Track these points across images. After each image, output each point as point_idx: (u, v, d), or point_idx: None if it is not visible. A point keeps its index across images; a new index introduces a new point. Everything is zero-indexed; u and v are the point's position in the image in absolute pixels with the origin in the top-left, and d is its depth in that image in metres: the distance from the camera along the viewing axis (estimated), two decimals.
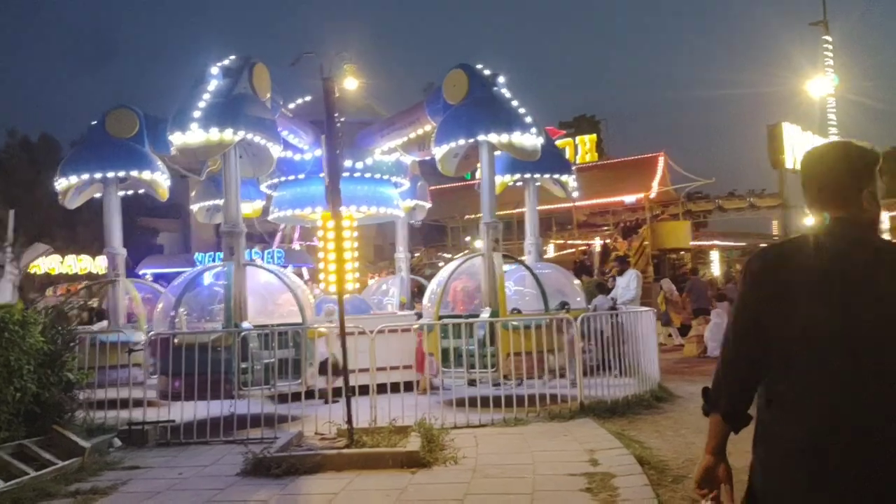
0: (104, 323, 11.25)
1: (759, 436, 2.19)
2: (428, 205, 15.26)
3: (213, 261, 39.10)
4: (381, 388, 8.95)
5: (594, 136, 37.86)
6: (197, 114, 8.97)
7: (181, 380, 8.67)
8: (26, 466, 6.26)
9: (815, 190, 2.27)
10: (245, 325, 9.11)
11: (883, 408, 2.01)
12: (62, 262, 35.53)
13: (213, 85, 9.28)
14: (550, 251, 40.26)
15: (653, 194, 32.29)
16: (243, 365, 8.85)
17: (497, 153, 10.63)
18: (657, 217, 32.70)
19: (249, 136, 9.21)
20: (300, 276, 32.10)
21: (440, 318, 10.00)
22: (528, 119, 10.03)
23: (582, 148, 37.55)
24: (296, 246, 36.27)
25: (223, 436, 8.14)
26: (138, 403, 8.63)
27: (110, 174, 11.25)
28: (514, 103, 10.16)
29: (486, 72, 10.36)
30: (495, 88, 10.26)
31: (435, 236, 42.94)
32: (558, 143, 37.19)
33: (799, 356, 2.09)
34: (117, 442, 7.97)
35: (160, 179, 11.52)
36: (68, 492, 6.06)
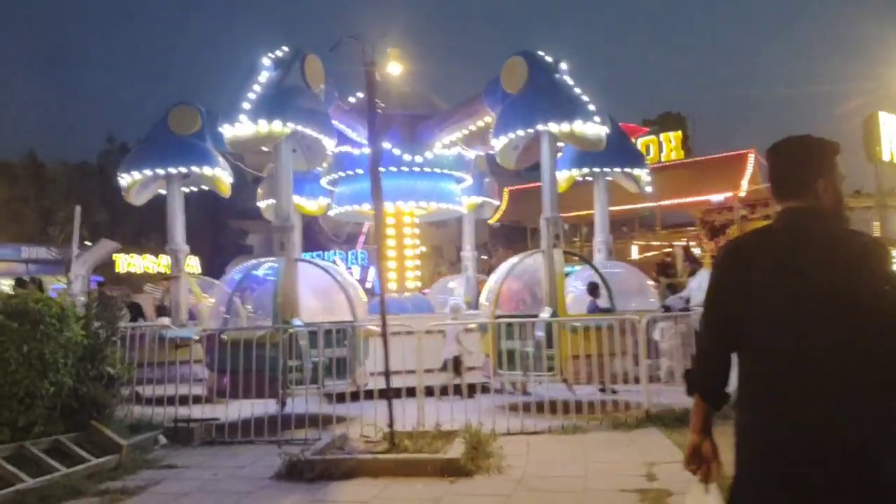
0: (166, 319, 11.26)
1: (736, 421, 2.30)
2: (496, 202, 14.81)
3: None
4: (445, 391, 8.54)
5: (679, 133, 36.43)
6: (246, 106, 8.78)
7: (229, 377, 8.49)
8: (59, 463, 6.13)
9: (775, 183, 2.42)
10: (296, 322, 8.87)
11: (838, 393, 2.11)
12: (157, 262, 36.74)
13: (263, 77, 9.10)
14: (634, 252, 39.14)
15: (742, 193, 30.79)
16: (293, 363, 8.62)
17: (560, 145, 10.09)
18: (747, 217, 31.20)
19: (300, 128, 8.97)
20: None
21: (497, 317, 9.53)
22: (592, 107, 9.43)
23: (667, 145, 36.22)
24: (362, 248, 36.48)
25: (268, 435, 7.91)
26: (194, 400, 8.56)
27: (172, 170, 11.29)
28: (577, 90, 9.58)
29: (548, 58, 9.82)
30: (557, 75, 9.71)
31: (515, 237, 42.32)
32: (642, 140, 36.34)
33: (758, 339, 2.23)
34: (162, 439, 7.85)
35: (222, 175, 11.49)
36: (97, 490, 5.90)
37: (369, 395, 8.28)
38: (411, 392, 8.22)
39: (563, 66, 9.83)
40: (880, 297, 2.16)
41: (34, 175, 38.83)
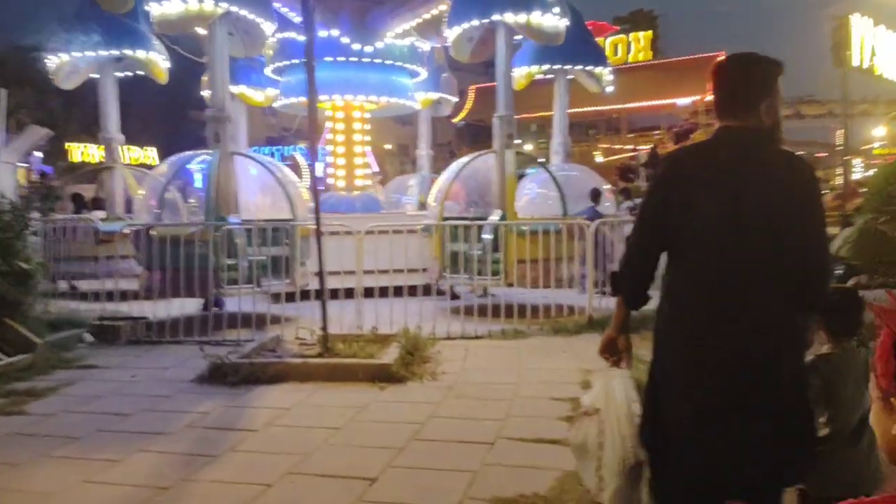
0: (100, 212, 10.72)
1: (656, 328, 2.47)
2: (454, 98, 14.19)
3: (274, 156, 38.79)
4: (387, 292, 8.24)
5: (650, 33, 35.44)
6: None
7: (160, 274, 8.10)
8: None
9: (719, 102, 2.43)
10: (232, 219, 8.45)
11: (756, 303, 2.26)
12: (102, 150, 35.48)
13: None
14: (599, 157, 38.80)
15: (709, 97, 30.26)
16: (229, 262, 8.25)
17: (517, 38, 9.53)
18: (712, 123, 30.81)
19: (234, 8, 8.27)
20: None
21: (445, 219, 9.20)
22: None
23: (636, 45, 35.31)
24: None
25: (198, 336, 7.61)
26: (128, 297, 8.20)
27: (103, 53, 10.50)
28: None
29: None
30: None
31: (482, 137, 41.58)
32: (611, 39, 35.37)
33: (690, 248, 2.34)
34: (88, 338, 7.52)
35: (157, 60, 10.73)
36: (4, 391, 5.58)
37: (311, 295, 7.99)
38: (367, 293, 7.93)
39: None
40: (807, 217, 2.29)
41: None
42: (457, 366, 6.47)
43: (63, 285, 9.10)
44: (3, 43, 37.08)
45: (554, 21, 8.86)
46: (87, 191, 15.19)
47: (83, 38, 10.36)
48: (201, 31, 8.65)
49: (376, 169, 30.57)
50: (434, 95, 13.42)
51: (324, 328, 6.55)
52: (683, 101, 31.56)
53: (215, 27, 8.40)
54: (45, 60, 10.57)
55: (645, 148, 31.53)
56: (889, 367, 1.20)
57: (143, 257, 8.18)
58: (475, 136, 41.59)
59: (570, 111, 33.38)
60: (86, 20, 10.39)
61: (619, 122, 37.73)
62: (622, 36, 35.59)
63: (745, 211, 2.25)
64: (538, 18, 8.75)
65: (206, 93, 13.32)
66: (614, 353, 2.60)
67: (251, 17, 8.54)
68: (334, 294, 7.73)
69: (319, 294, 6.84)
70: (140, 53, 10.50)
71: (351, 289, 8.03)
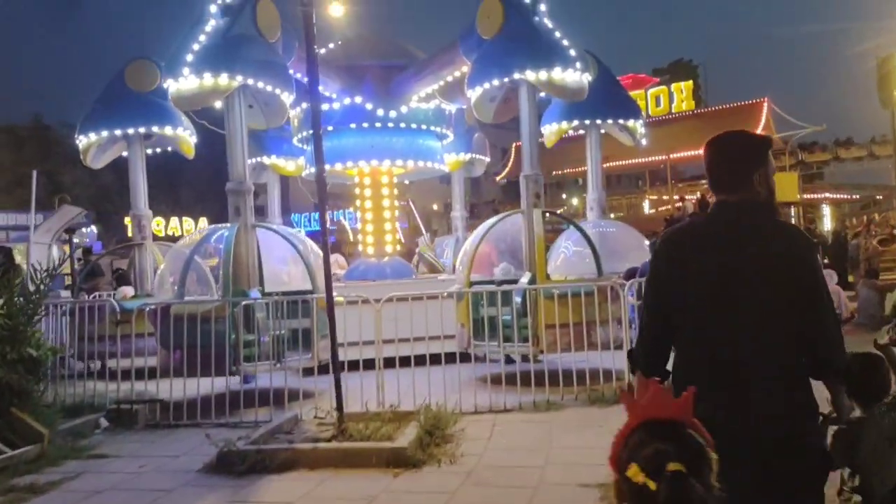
0: (127, 289, 10.65)
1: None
2: (487, 159, 13.98)
3: (310, 223, 39.15)
4: (414, 361, 7.86)
5: (690, 82, 35.13)
6: (189, 58, 8.02)
7: (180, 353, 7.88)
8: None
9: (711, 177, 2.52)
10: (253, 293, 8.24)
11: (759, 369, 2.26)
12: (167, 226, 36.21)
13: (210, 26, 8.31)
14: (647, 207, 38.17)
15: None
16: (249, 337, 8.00)
17: (541, 95, 9.27)
18: None
19: (251, 81, 8.20)
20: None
21: (472, 284, 8.83)
22: (573, 52, 8.60)
23: (678, 96, 34.95)
24: None
25: (217, 417, 7.31)
26: (149, 377, 7.99)
27: (130, 131, 10.57)
28: (557, 34, 8.73)
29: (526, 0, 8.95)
30: (536, 18, 8.85)
31: (519, 194, 41.33)
32: (652, 91, 35.09)
33: (686, 324, 2.39)
34: (104, 423, 7.29)
35: (185, 135, 10.75)
36: (5, 487, 5.33)
37: (350, 367, 7.64)
38: (389, 363, 7.56)
39: (542, 7, 8.95)
40: (804, 286, 2.28)
41: (40, 138, 38.33)
42: (480, 445, 6.02)
43: (85, 366, 8.96)
44: (58, 122, 38.66)
45: (576, 77, 8.58)
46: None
47: (110, 117, 10.46)
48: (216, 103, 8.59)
49: (423, 229, 30.56)
50: (466, 156, 13.22)
51: (338, 408, 6.20)
52: None
53: (233, 100, 8.34)
54: (76, 141, 10.68)
55: (692, 198, 30.84)
56: None
57: (162, 335, 7.99)
58: (515, 192, 41.39)
59: (616, 164, 33.05)
60: (113, 99, 10.50)
61: (666, 173, 37.09)
62: (663, 87, 35.30)
63: (735, 282, 2.30)
64: (560, 75, 8.48)
65: None
66: None
67: (269, 88, 8.46)
68: (355, 366, 7.42)
69: (340, 367, 6.53)
70: (168, 130, 10.53)
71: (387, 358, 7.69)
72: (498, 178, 40.26)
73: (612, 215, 30.04)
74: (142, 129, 10.58)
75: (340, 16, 9.80)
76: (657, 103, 34.89)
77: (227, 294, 7.85)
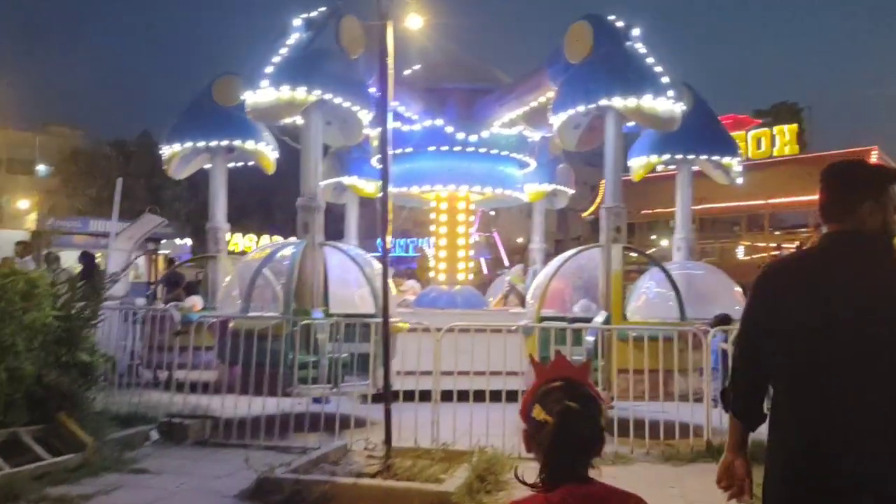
0: (196, 299, 10.63)
1: (768, 438, 2.29)
2: (571, 191, 13.47)
3: (395, 248, 39.36)
4: (476, 397, 7.44)
5: (794, 126, 33.62)
6: (269, 70, 7.94)
7: (241, 370, 7.69)
8: (7, 461, 5.44)
9: (821, 206, 2.39)
10: (316, 313, 8.01)
11: (855, 417, 2.08)
12: (258, 243, 37.02)
13: (292, 39, 8.22)
14: (740, 253, 36.61)
15: None
16: (311, 359, 7.74)
17: (629, 124, 8.78)
18: None
19: (328, 96, 8.05)
20: (478, 268, 31.16)
21: (542, 319, 8.34)
22: (665, 80, 8.09)
23: (780, 139, 33.49)
24: (475, 236, 35.36)
25: (265, 439, 7.05)
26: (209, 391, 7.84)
27: (212, 143, 10.64)
28: (649, 61, 8.25)
29: (618, 24, 8.52)
30: (628, 43, 8.41)
31: None
32: (753, 133, 33.75)
33: (784, 359, 2.24)
34: (154, 435, 7.13)
35: (266, 151, 10.76)
36: (37, 496, 5.16)
37: (401, 397, 7.30)
38: (448, 396, 7.17)
39: (636, 32, 8.51)
40: None
41: (147, 153, 40.08)
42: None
43: (149, 375, 8.93)
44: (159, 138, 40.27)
45: (668, 105, 8.06)
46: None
47: (194, 129, 10.56)
48: (299, 120, 8.47)
49: (506, 261, 30.10)
50: (548, 187, 12.78)
51: (386, 441, 5.82)
52: None
53: (310, 115, 8.21)
54: (160, 151, 10.83)
55: (790, 246, 29.33)
56: None
57: (220, 350, 7.83)
58: None
59: (712, 206, 31.89)
60: (198, 111, 10.62)
61: (764, 219, 35.48)
62: (765, 129, 33.92)
63: (838, 316, 2.14)
64: (650, 102, 7.98)
65: (321, 183, 13.39)
66: (732, 480, 2.35)
67: (346, 104, 8.29)
68: (413, 397, 7.05)
69: (394, 398, 6.17)
70: (249, 144, 10.55)
71: (445, 391, 7.30)
72: (584, 215, 39.46)
73: (703, 259, 28.93)
74: (223, 142, 10.65)
75: (420, 27, 9.48)
76: (758, 146, 33.54)
77: (288, 312, 7.63)
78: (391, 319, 8.06)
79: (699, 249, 32.90)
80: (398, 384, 7.82)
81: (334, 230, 13.60)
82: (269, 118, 8.42)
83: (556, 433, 1.82)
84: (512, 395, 7.24)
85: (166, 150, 10.74)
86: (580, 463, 1.86)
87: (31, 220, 20.20)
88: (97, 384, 6.62)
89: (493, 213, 35.51)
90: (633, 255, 11.44)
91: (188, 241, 31.66)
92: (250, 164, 11.31)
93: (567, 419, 1.82)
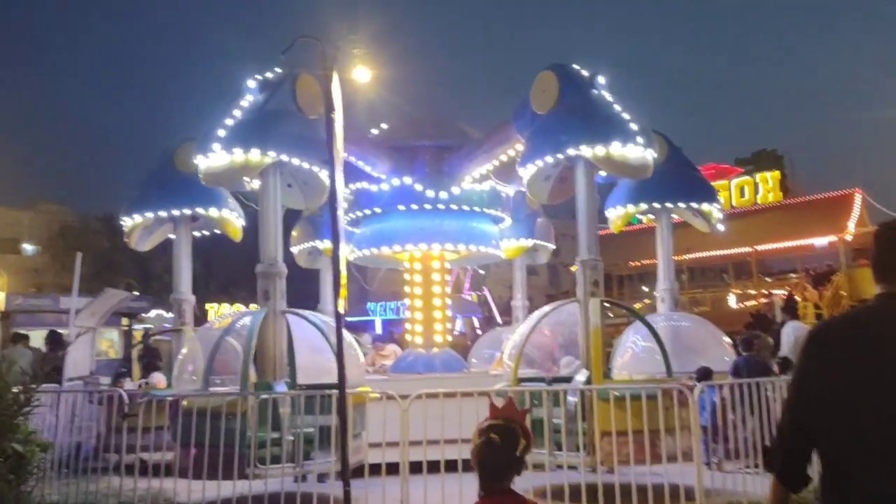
0: (158, 376, 10.12)
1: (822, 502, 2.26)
2: (551, 245, 13.12)
3: (385, 311, 38.80)
4: (449, 467, 6.93)
5: (777, 172, 33.67)
6: (221, 132, 7.64)
7: (195, 451, 7.16)
8: None
9: (873, 266, 2.35)
10: (279, 385, 7.53)
11: None
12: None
13: (246, 101, 7.96)
14: (732, 301, 36.25)
15: (848, 237, 28.00)
16: (273, 435, 7.23)
17: (601, 174, 8.50)
18: (855, 263, 28.45)
19: (284, 157, 7.74)
20: (471, 327, 30.56)
21: (521, 380, 7.88)
22: (633, 126, 7.83)
23: (763, 186, 33.48)
24: (466, 295, 34.91)
25: None
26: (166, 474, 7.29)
27: (175, 212, 10.28)
28: (617, 108, 8.00)
29: (584, 73, 8.31)
30: (594, 91, 8.18)
31: (608, 285, 40.08)
32: (736, 181, 33.78)
33: (832, 422, 2.18)
34: None
35: (231, 218, 10.36)
36: None
37: (380, 471, 6.79)
38: (418, 468, 6.65)
39: (601, 80, 8.29)
40: None
41: None
42: None
43: (115, 458, 8.36)
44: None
45: (638, 152, 7.78)
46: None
47: (156, 199, 10.21)
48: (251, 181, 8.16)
49: (498, 319, 29.49)
50: (528, 242, 12.43)
51: None
52: (820, 241, 29.34)
53: (266, 178, 7.89)
54: (120, 222, 10.46)
55: (780, 292, 29.02)
56: None
57: (174, 430, 7.30)
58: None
59: (699, 255, 31.62)
60: (159, 180, 10.29)
61: (751, 266, 35.23)
62: (748, 178, 33.97)
63: (888, 379, 2.11)
64: (619, 150, 7.70)
65: (294, 249, 13.02)
66: None
67: (305, 166, 7.98)
68: (380, 470, 6.54)
69: (372, 470, 5.66)
70: (213, 211, 10.18)
71: (416, 463, 6.81)
72: (573, 269, 39.16)
73: (694, 309, 28.51)
74: (186, 211, 10.29)
75: (367, 81, 9.26)
76: (742, 194, 33.56)
77: (245, 386, 7.14)
78: (357, 389, 7.64)
79: (689, 299, 32.72)
80: (377, 457, 7.30)
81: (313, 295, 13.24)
82: (223, 183, 8.11)
83: (479, 457, 2.59)
84: None
85: (127, 222, 10.36)
86: (499, 480, 2.59)
87: None
88: (31, 476, 6.07)
89: (482, 271, 35.24)
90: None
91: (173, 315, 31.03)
92: (216, 231, 10.94)
93: (487, 447, 2.58)
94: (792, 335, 10.61)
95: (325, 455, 7.43)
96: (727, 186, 32.84)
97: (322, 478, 7.52)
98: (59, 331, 12.89)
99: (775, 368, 8.79)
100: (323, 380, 7.87)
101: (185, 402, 7.18)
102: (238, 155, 7.55)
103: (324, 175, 8.28)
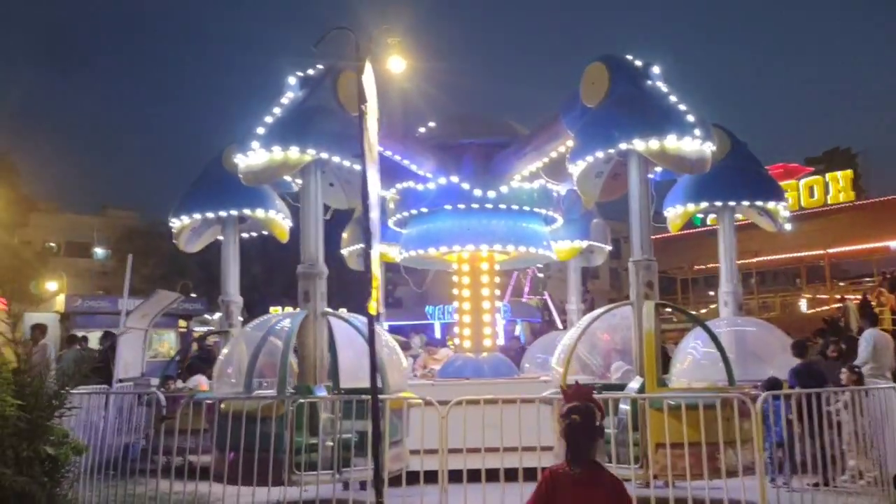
0: (200, 378, 10.04)
1: None
2: (607, 247, 12.65)
3: (444, 315, 38.56)
4: (511, 475, 6.60)
5: (849, 172, 32.14)
6: (260, 130, 7.48)
7: (232, 456, 6.99)
8: None
9: None
10: (319, 389, 7.33)
11: None
12: None
13: (287, 98, 7.79)
14: (803, 306, 34.85)
15: None
16: (312, 441, 7.02)
17: (657, 169, 8.07)
18: None
19: (324, 155, 7.54)
20: (531, 332, 30.02)
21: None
22: (690, 118, 7.36)
23: (834, 186, 31.99)
24: (526, 299, 34.41)
25: None
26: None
27: (222, 213, 10.21)
28: (672, 99, 7.55)
29: (636, 63, 7.88)
30: (647, 82, 7.74)
31: (663, 288, 38.86)
32: (805, 181, 32.42)
33: None
34: None
35: (278, 219, 10.25)
36: None
37: (420, 478, 6.54)
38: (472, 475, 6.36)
39: (656, 70, 7.85)
40: None
41: None
42: None
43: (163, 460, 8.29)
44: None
45: (695, 145, 7.31)
46: None
47: (204, 200, 10.17)
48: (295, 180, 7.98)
49: (559, 324, 29.02)
50: (582, 243, 12.00)
51: None
52: None
53: (307, 176, 7.71)
54: (170, 223, 10.45)
55: (854, 297, 27.69)
56: None
57: (214, 435, 7.16)
58: (662, 287, 39.01)
59: (769, 258, 30.55)
60: (207, 181, 10.24)
61: (823, 270, 33.77)
62: (818, 177, 32.56)
63: None
64: (674, 143, 7.24)
65: (345, 251, 12.85)
66: None
67: (346, 164, 7.76)
68: (420, 478, 6.25)
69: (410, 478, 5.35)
70: (259, 212, 10.09)
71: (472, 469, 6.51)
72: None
73: (763, 315, 27.40)
74: (234, 212, 10.21)
75: (402, 71, 8.95)
76: (811, 194, 32.15)
77: (283, 391, 6.95)
78: (399, 394, 7.37)
79: (759, 304, 31.49)
80: (419, 464, 7.01)
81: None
82: (263, 181, 7.95)
83: (567, 436, 3.09)
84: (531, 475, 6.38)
85: (175, 223, 10.35)
86: (586, 452, 3.10)
87: (59, 303, 20.20)
88: (64, 478, 5.97)
89: (541, 274, 34.62)
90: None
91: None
92: (264, 233, 10.86)
93: (571, 427, 3.07)
94: (871, 343, 9.90)
95: (364, 461, 7.19)
96: (796, 186, 31.55)
97: (363, 485, 7.27)
98: (114, 331, 13.02)
99: (843, 377, 8.13)
100: (365, 384, 7.63)
101: (222, 406, 7.02)
102: (277, 153, 7.40)
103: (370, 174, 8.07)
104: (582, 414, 3.04)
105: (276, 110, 7.65)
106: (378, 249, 5.80)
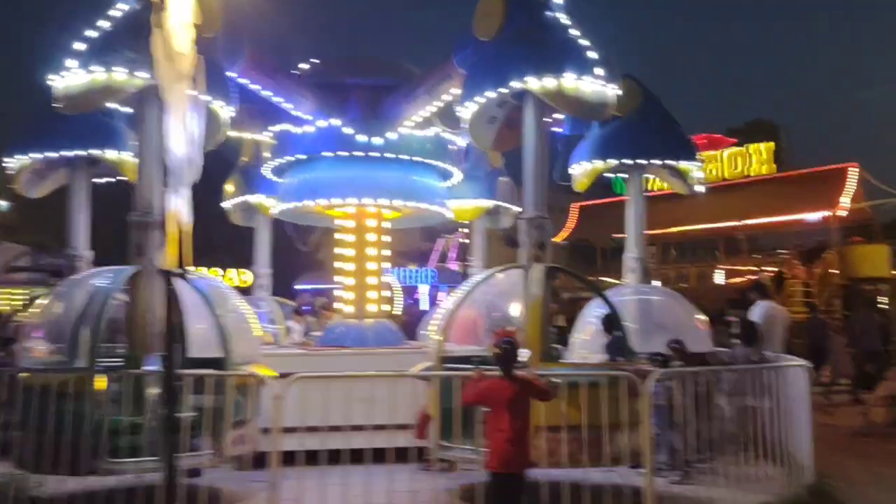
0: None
1: None
2: (516, 208, 11.67)
3: (428, 278, 37.09)
4: (379, 456, 5.66)
5: (771, 144, 32.17)
6: (80, 47, 6.18)
7: (38, 438, 5.79)
8: None
9: None
10: (150, 361, 6.17)
11: None
12: (224, 277, 34.69)
13: (119, 10, 6.47)
14: (720, 279, 35.00)
15: (842, 212, 26.74)
16: (138, 420, 5.89)
17: (557, 116, 7.12)
18: (848, 240, 27.27)
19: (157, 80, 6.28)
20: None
21: (445, 360, 6.54)
22: (592, 54, 6.40)
23: (756, 158, 31.95)
24: (453, 266, 33.52)
25: None
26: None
27: (66, 153, 8.81)
28: (573, 32, 6.57)
29: None
30: (547, 13, 6.73)
31: (584, 258, 38.74)
32: (728, 152, 32.36)
33: None
34: None
35: (130, 160, 8.88)
36: None
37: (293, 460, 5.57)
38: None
39: (559, 0, 6.84)
40: None
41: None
42: None
43: None
44: None
45: (595, 87, 6.36)
46: None
47: (44, 137, 8.74)
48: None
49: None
50: (487, 203, 11.03)
51: None
52: (812, 216, 28.08)
53: (141, 107, 6.45)
54: (4, 164, 8.99)
55: (770, 269, 27.79)
56: None
57: (9, 413, 5.94)
58: (584, 256, 38.79)
59: (687, 228, 30.34)
60: (48, 115, 8.77)
61: (740, 242, 33.96)
62: (740, 148, 32.53)
63: None
64: (573, 82, 6.28)
65: (226, 204, 11.57)
66: None
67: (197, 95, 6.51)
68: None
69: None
70: (110, 153, 8.73)
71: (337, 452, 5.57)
72: (555, 240, 37.79)
73: (679, 285, 27.22)
74: (81, 152, 8.81)
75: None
76: (734, 166, 32.12)
77: (91, 362, 5.76)
78: (252, 365, 6.30)
79: (676, 275, 31.45)
80: (268, 445, 5.95)
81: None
82: (83, 108, 6.64)
83: (498, 360, 4.87)
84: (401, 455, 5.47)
85: (11, 163, 8.89)
86: (510, 368, 4.88)
87: None
88: None
89: (467, 241, 33.81)
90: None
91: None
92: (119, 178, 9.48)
93: (499, 355, 4.88)
94: (761, 317, 9.30)
95: (200, 444, 6.10)
96: (719, 157, 31.48)
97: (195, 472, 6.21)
98: None
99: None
100: (206, 354, 6.52)
101: (23, 377, 5.81)
102: (99, 74, 6.10)
103: (221, 109, 6.88)
104: (507, 346, 4.90)
105: (103, 23, 6.33)
106: (179, 195, 4.64)
